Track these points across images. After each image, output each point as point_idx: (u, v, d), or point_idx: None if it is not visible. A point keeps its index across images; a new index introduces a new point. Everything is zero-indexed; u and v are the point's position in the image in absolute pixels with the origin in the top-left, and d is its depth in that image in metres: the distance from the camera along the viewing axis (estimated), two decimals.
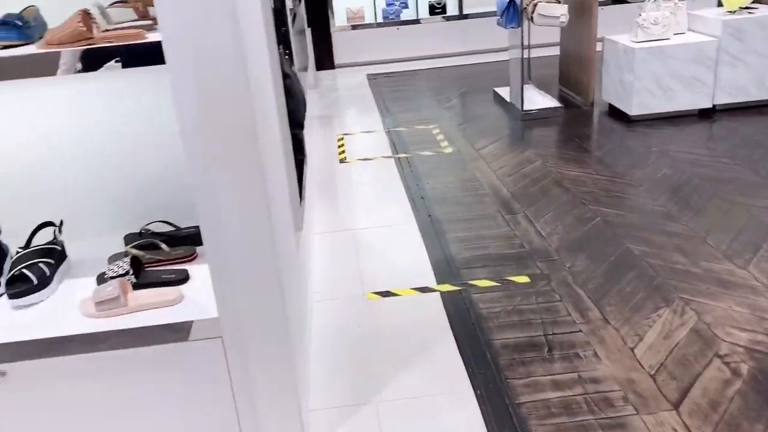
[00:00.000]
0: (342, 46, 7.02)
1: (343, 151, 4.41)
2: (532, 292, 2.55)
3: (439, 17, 7.12)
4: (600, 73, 4.84)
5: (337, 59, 7.04)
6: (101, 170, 2.06)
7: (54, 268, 1.88)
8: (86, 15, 1.59)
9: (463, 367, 2.14)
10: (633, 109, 4.42)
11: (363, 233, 3.16)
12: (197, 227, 2.07)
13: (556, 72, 5.48)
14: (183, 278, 1.86)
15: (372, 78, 6.42)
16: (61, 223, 1.97)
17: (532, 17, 4.65)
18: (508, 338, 2.28)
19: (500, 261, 2.80)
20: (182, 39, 1.39)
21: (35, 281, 1.81)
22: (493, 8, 6.94)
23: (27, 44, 1.64)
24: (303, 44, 5.09)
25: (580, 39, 4.89)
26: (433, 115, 5.07)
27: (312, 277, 2.75)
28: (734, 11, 4.41)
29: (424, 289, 2.63)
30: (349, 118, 5.25)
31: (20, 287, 1.78)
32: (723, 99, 4.45)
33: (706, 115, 4.46)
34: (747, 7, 4.44)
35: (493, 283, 2.63)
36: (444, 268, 2.77)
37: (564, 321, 2.35)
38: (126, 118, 2.01)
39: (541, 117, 4.72)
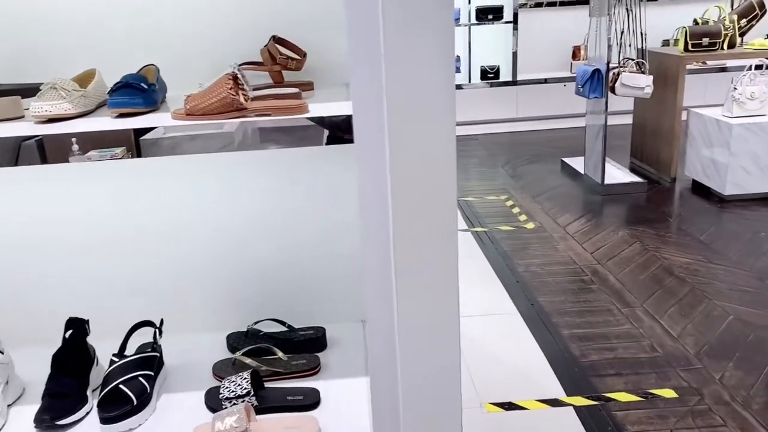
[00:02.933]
0: None
1: None
2: (686, 411, 2.15)
3: (491, 83, 6.91)
4: (683, 148, 4.53)
5: None
6: (202, 255, 1.72)
7: (153, 382, 1.51)
8: (236, 79, 1.27)
9: None
10: (727, 188, 4.09)
11: (462, 323, 2.78)
12: (317, 330, 1.72)
13: (626, 143, 5.19)
14: (314, 402, 1.48)
15: None
16: (161, 323, 1.61)
17: (613, 87, 4.37)
18: None
19: (634, 367, 2.41)
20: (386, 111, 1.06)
21: (134, 401, 1.43)
22: (546, 74, 6.76)
23: (151, 111, 1.32)
24: None
25: (663, 111, 4.61)
26: (502, 184, 4.76)
27: None
28: None
29: (553, 402, 2.24)
30: None
31: (118, 409, 1.41)
32: None
33: None
34: None
35: (636, 398, 2.23)
36: (570, 374, 2.38)
37: None
38: (236, 196, 1.68)
39: (623, 192, 4.40)
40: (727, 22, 4.48)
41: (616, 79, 4.38)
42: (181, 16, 1.52)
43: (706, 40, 4.39)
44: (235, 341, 1.69)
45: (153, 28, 1.52)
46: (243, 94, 1.28)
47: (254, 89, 1.34)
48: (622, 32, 4.44)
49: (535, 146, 5.84)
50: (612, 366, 2.42)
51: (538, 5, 6.72)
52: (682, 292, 2.97)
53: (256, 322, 1.72)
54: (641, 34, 4.41)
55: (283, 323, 1.72)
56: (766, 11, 4.66)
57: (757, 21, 4.67)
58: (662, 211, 4.06)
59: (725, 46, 4.46)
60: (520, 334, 2.68)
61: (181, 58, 1.52)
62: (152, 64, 1.46)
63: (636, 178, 4.52)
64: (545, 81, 6.72)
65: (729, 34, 4.45)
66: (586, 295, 2.98)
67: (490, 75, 6.92)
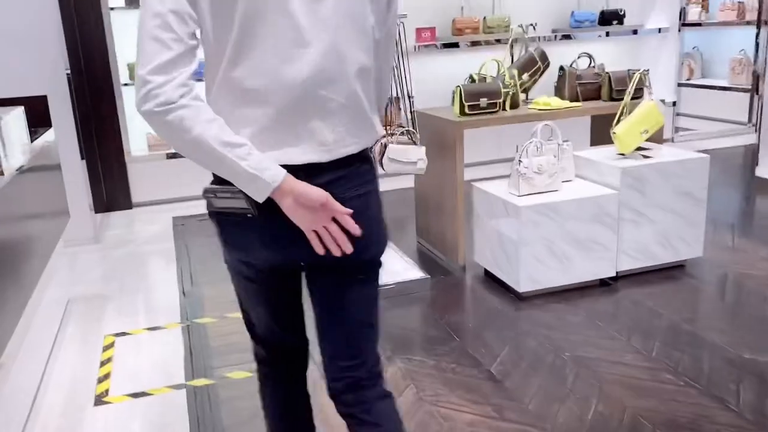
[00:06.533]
0: (140, 180, 5.46)
1: (107, 375, 2.82)
2: None
3: None
4: (470, 229, 3.73)
5: (136, 197, 5.47)
6: None
7: None
8: None
9: None
10: (521, 284, 3.31)
11: None
12: None
13: (412, 213, 4.32)
14: None
15: (179, 224, 4.89)
16: None
17: (381, 162, 3.47)
18: None
19: None
20: None
21: None
22: None
23: None
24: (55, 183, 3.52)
25: (443, 183, 3.79)
26: None
27: None
28: (627, 154, 3.54)
29: None
30: (130, 299, 3.66)
31: None
32: (627, 264, 3.48)
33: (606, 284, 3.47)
34: (640, 148, 3.59)
35: None
36: None
37: None
38: None
39: (403, 293, 3.47)
40: (507, 78, 3.78)
41: (383, 153, 3.48)
42: None
43: (484, 101, 3.64)
44: None
45: None
46: None
47: None
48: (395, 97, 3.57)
49: None
50: None
51: None
52: None
53: None
54: (408, 96, 3.57)
55: None
56: (548, 63, 4.05)
57: (540, 75, 4.04)
58: (447, 323, 3.17)
59: (507, 107, 3.75)
60: None
61: None
62: None
63: (415, 272, 3.63)
64: None
65: (510, 93, 3.75)
66: None
67: None
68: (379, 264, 1.46)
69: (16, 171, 2.54)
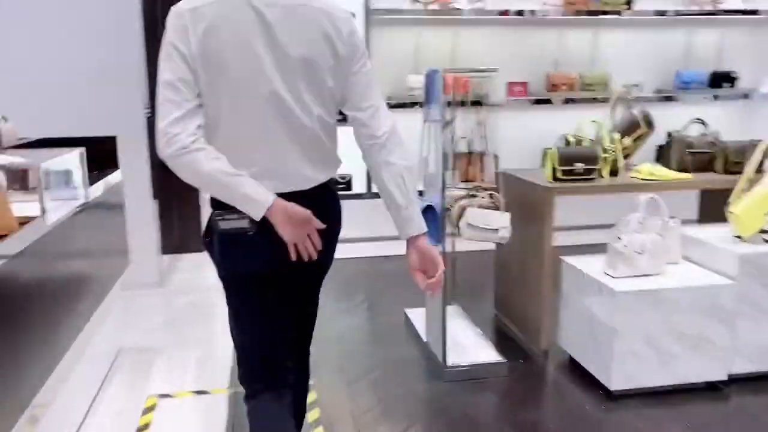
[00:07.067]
0: None
1: None
2: None
3: (341, 195, 5.64)
4: (555, 308, 3.31)
5: None
6: None
7: None
8: None
9: None
10: (613, 380, 2.85)
11: None
12: None
13: (490, 279, 3.92)
14: None
15: None
16: None
17: (458, 226, 3.14)
18: None
19: None
20: None
21: None
22: None
23: None
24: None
25: (527, 254, 3.41)
26: (321, 351, 3.34)
27: None
28: (746, 238, 3.05)
29: None
30: (182, 354, 3.44)
31: None
32: (742, 367, 2.96)
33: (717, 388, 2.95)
34: (763, 231, 3.09)
35: None
36: None
37: None
38: None
39: (475, 378, 3.08)
40: (607, 142, 3.39)
41: (461, 215, 3.15)
42: None
43: (580, 166, 3.26)
44: None
45: None
46: None
47: None
48: (470, 154, 3.26)
49: (386, 281, 4.53)
50: None
51: (400, 105, 5.58)
52: None
53: None
54: (494, 156, 3.24)
55: None
56: (654, 128, 3.63)
57: (644, 141, 3.63)
58: (524, 421, 2.74)
59: (605, 174, 3.35)
60: None
61: None
62: None
63: (492, 355, 3.22)
64: None
65: (610, 158, 3.35)
66: None
67: (340, 185, 5.67)
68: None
69: (69, 212, 2.40)
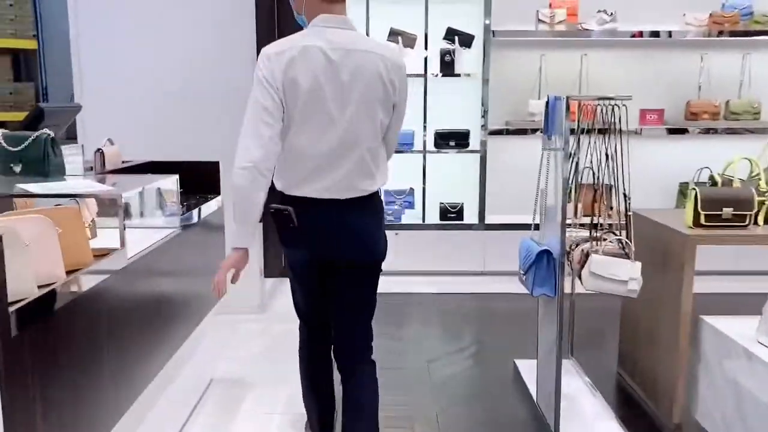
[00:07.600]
0: None
1: None
2: None
3: (452, 224, 5.35)
4: (692, 374, 2.83)
5: None
6: None
7: None
8: None
9: None
10: None
11: None
12: None
13: (614, 332, 3.47)
14: None
15: None
16: None
17: (579, 275, 2.76)
18: None
19: None
20: None
21: None
22: (522, 217, 5.06)
23: None
24: None
25: (660, 311, 2.96)
26: (408, 411, 3.05)
27: None
28: None
29: None
30: (274, 389, 3.25)
31: None
32: None
33: None
34: None
35: None
36: None
37: None
38: None
39: None
40: (763, 184, 2.89)
41: (583, 262, 2.77)
42: None
43: (728, 211, 2.79)
44: None
45: None
46: None
47: None
48: (595, 190, 2.87)
49: (495, 321, 4.17)
50: None
51: (520, 131, 5.23)
52: None
53: None
54: (624, 195, 2.83)
55: None
56: None
57: None
58: None
59: (760, 221, 2.85)
60: None
61: None
62: None
63: (614, 428, 2.78)
64: (521, 227, 5.12)
65: (767, 203, 2.85)
66: None
67: (450, 215, 5.38)
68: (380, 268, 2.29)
69: (162, 238, 2.31)
